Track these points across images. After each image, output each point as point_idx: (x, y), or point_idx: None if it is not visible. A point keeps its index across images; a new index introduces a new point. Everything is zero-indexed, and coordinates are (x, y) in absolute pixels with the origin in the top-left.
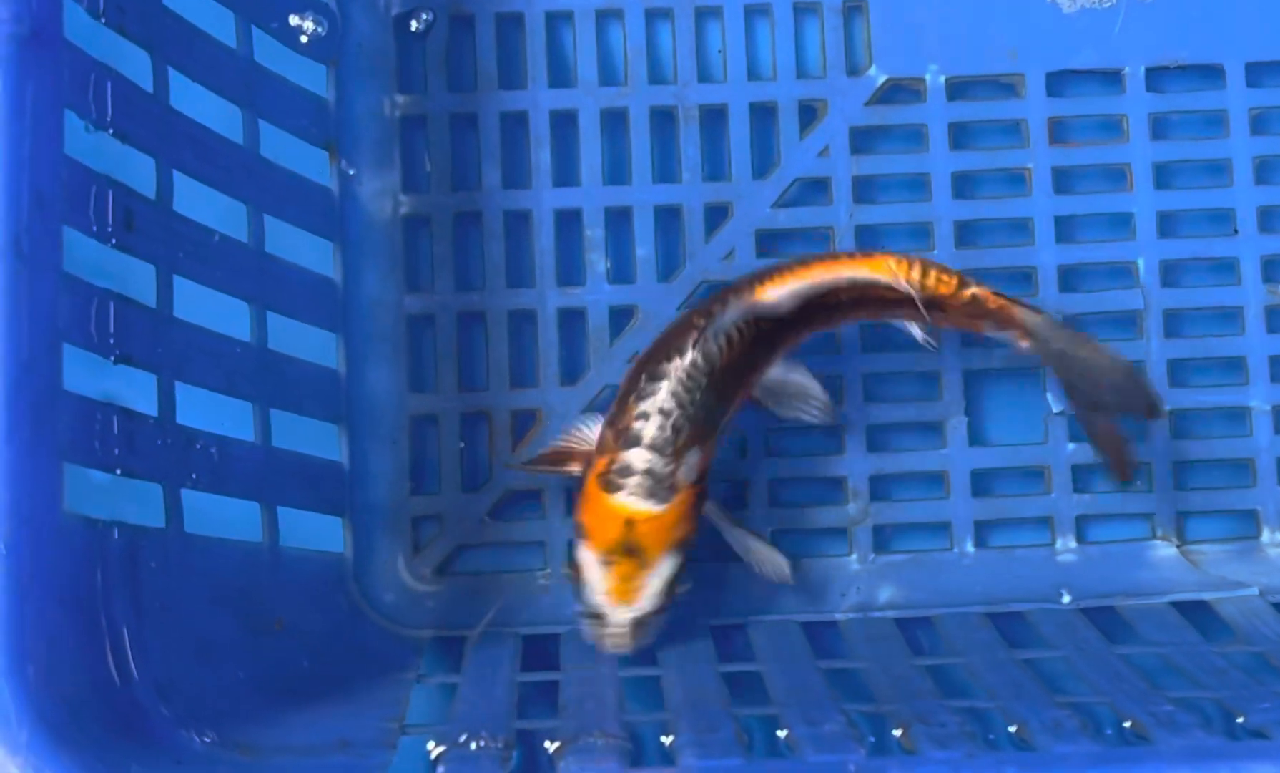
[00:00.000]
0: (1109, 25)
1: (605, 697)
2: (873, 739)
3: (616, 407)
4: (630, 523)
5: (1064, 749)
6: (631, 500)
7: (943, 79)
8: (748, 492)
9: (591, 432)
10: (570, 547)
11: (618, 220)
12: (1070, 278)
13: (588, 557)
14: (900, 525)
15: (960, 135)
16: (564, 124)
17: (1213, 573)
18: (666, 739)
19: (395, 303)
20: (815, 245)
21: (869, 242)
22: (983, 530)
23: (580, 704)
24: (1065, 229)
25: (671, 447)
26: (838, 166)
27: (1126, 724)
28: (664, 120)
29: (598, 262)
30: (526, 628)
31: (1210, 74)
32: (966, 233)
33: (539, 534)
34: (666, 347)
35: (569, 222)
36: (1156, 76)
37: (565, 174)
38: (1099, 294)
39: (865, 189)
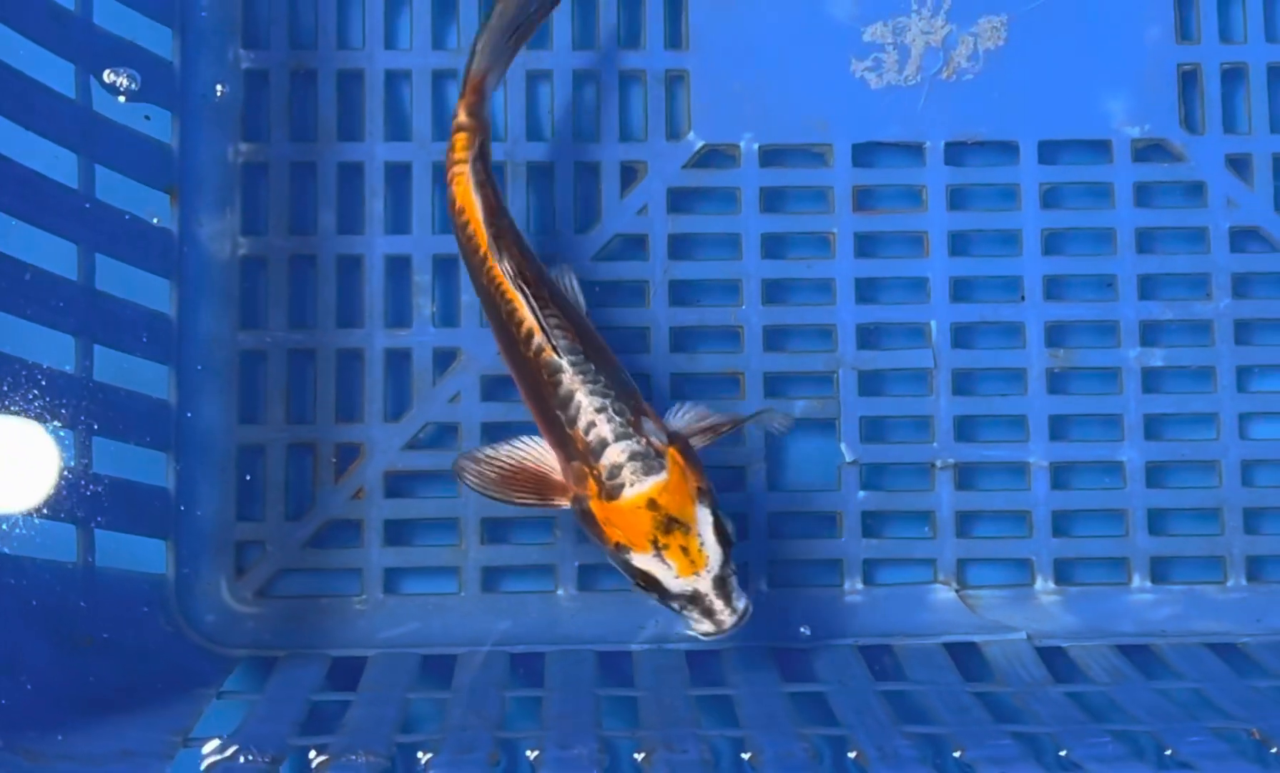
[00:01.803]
0: (914, 101)
1: (385, 716)
2: (608, 761)
3: (560, 446)
4: (653, 503)
5: None
6: (639, 486)
7: (756, 146)
8: (556, 527)
9: (538, 448)
10: (634, 579)
11: (446, 267)
12: (867, 336)
13: (647, 561)
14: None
15: (772, 199)
16: (398, 175)
17: (987, 617)
18: (423, 756)
19: (229, 339)
20: (634, 296)
21: (683, 297)
22: (776, 569)
23: (359, 724)
24: (866, 290)
25: (630, 426)
26: (655, 224)
27: (851, 754)
28: (495, 174)
29: (425, 305)
30: (339, 650)
31: (1006, 150)
32: (775, 291)
33: (357, 562)
34: (539, 379)
35: (399, 267)
36: (956, 151)
37: (398, 222)
38: (894, 353)
39: (681, 247)
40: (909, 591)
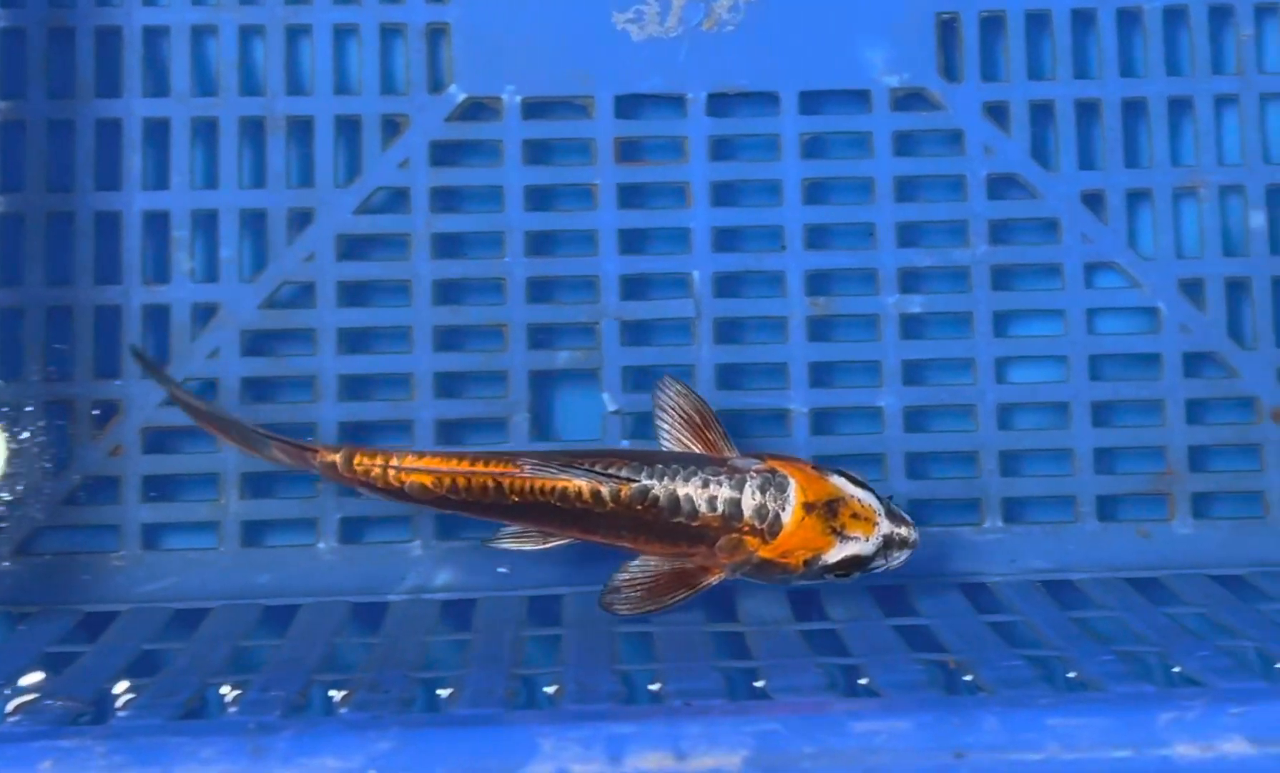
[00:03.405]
0: (675, 53)
1: (109, 666)
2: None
3: (697, 543)
4: (807, 506)
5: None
6: (787, 505)
7: (519, 98)
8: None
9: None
10: (838, 575)
11: (205, 222)
12: (631, 287)
13: (839, 551)
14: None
15: (536, 151)
16: (157, 131)
17: None
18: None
19: None
20: (397, 249)
21: (448, 249)
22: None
23: (79, 674)
24: (629, 242)
25: (733, 474)
26: (417, 177)
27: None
28: (254, 129)
29: (183, 261)
30: (95, 606)
31: (767, 100)
32: (539, 243)
33: (115, 518)
34: (635, 514)
35: (157, 223)
36: (717, 102)
37: (156, 178)
38: (656, 303)
39: (445, 199)
40: None
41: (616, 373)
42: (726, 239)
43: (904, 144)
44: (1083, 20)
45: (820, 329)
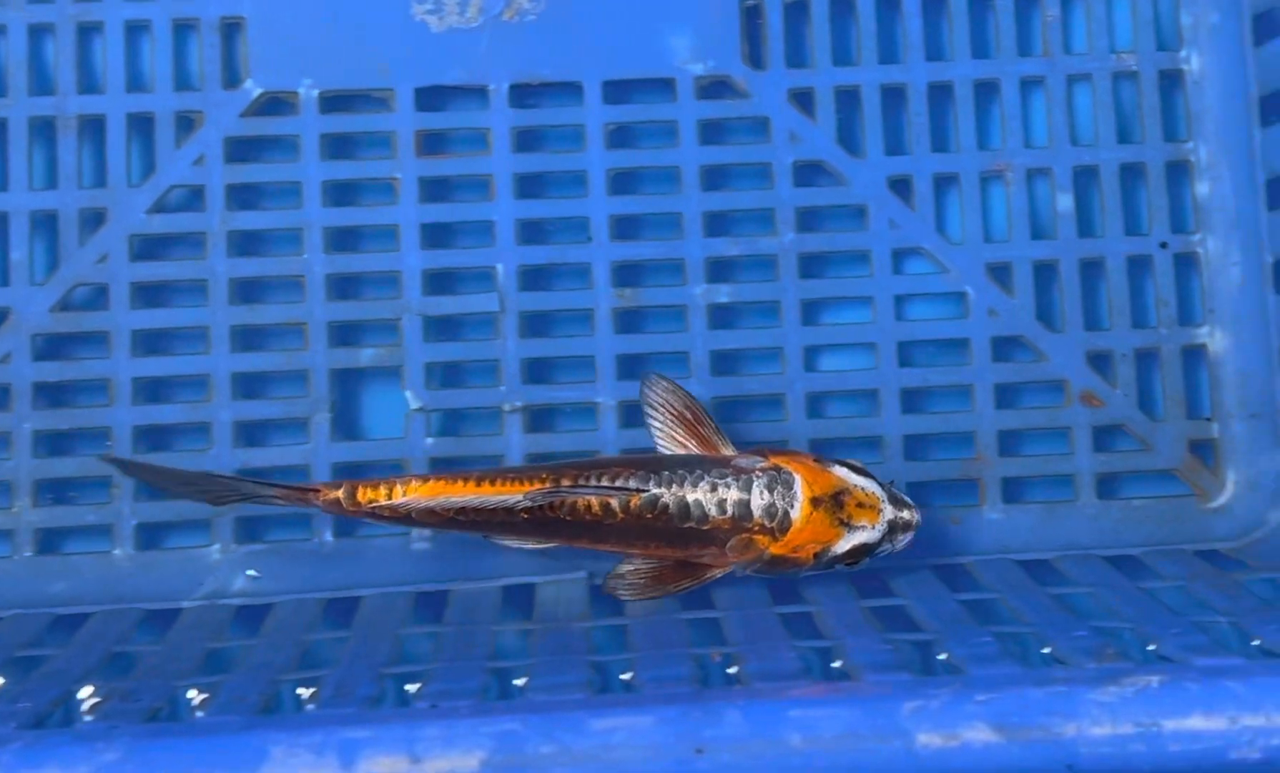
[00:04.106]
0: (476, 44)
1: None
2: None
3: (709, 545)
4: (814, 500)
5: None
6: (795, 501)
7: (316, 92)
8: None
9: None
10: (848, 563)
11: None
12: (435, 281)
13: (847, 541)
14: (267, 517)
15: (336, 146)
16: None
17: (552, 558)
18: None
19: None
20: (193, 248)
21: (245, 247)
22: (348, 521)
23: None
24: (433, 235)
25: (740, 474)
26: (212, 175)
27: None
28: (45, 129)
29: None
30: None
31: (570, 90)
32: (340, 239)
33: None
34: (646, 522)
35: None
36: (520, 92)
37: None
38: (460, 297)
39: (241, 196)
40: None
41: (419, 370)
42: (532, 231)
43: (710, 132)
44: (888, 5)
45: (628, 321)
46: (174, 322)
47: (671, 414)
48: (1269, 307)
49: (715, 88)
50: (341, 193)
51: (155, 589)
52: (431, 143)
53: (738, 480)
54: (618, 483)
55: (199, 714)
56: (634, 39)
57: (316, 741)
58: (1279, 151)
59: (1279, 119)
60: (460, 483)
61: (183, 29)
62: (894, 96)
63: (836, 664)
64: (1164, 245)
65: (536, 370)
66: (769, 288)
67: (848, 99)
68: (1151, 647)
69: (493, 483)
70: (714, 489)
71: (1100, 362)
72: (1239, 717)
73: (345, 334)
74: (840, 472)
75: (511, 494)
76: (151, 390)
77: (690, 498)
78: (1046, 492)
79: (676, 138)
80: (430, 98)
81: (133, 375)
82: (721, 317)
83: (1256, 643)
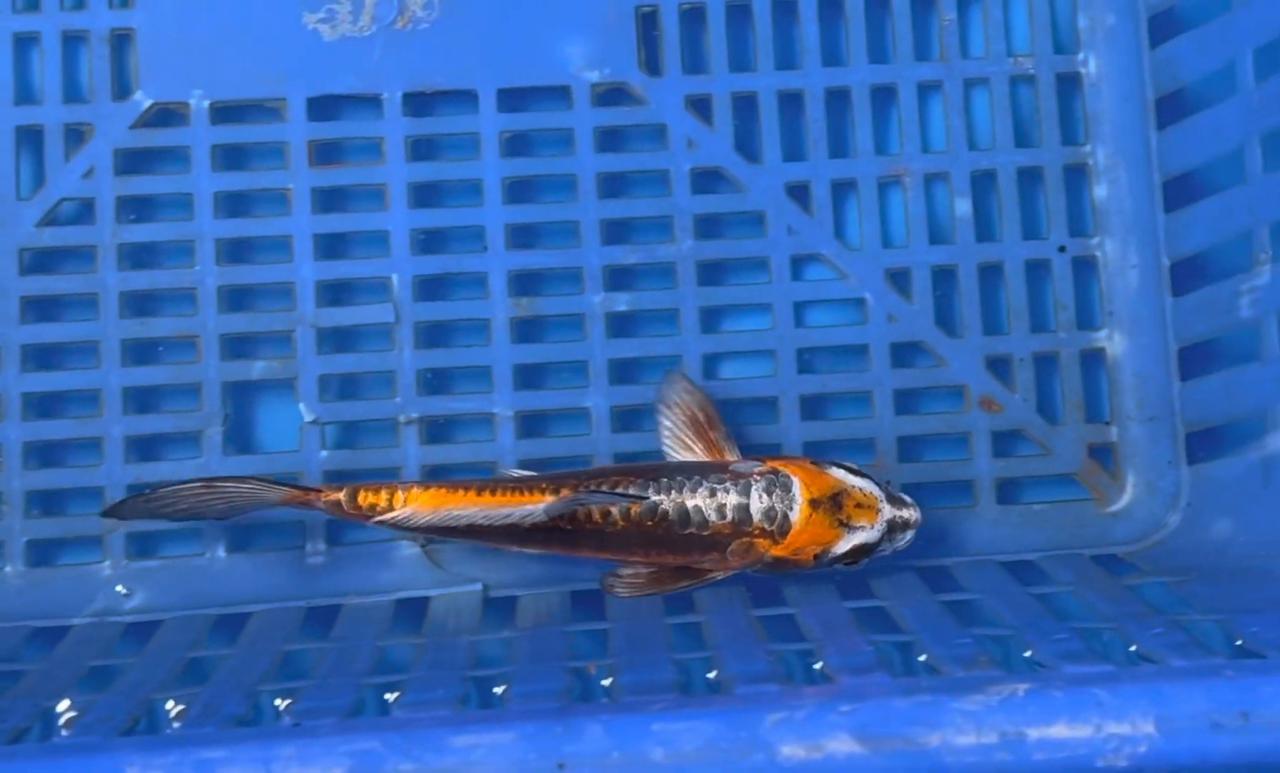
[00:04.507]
0: (369, 53)
1: None
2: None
3: (710, 550)
4: (813, 503)
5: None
6: (794, 504)
7: (207, 103)
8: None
9: None
10: (848, 563)
11: None
12: (330, 292)
13: (847, 542)
14: (160, 533)
15: (229, 156)
16: None
17: (451, 570)
18: None
19: None
20: (83, 262)
21: (138, 260)
22: (240, 535)
23: None
24: (327, 246)
25: (738, 480)
26: (102, 187)
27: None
28: None
29: None
30: None
31: (465, 99)
32: (234, 250)
33: None
34: (647, 530)
35: None
36: (415, 101)
37: None
38: (355, 308)
39: (132, 209)
40: (376, 548)
41: (314, 382)
42: (427, 241)
43: (607, 140)
44: (785, 10)
45: (526, 330)
46: (64, 336)
47: (685, 415)
48: (1166, 310)
49: (612, 95)
50: (234, 204)
51: (46, 607)
52: (325, 152)
53: (736, 485)
54: (618, 491)
55: (64, 734)
56: (529, 47)
57: (172, 761)
58: (1175, 154)
59: (1175, 121)
60: (460, 493)
61: (72, 41)
62: (792, 102)
63: (712, 675)
64: (1062, 249)
65: (433, 381)
66: (668, 295)
67: (745, 105)
68: (1028, 654)
69: (493, 493)
70: (713, 494)
71: (999, 366)
72: (1104, 725)
73: (238, 347)
74: (838, 473)
75: (517, 507)
76: (42, 406)
77: (690, 504)
78: (946, 497)
79: (573, 146)
80: (323, 107)
81: (21, 391)
82: (620, 325)
83: (1133, 649)
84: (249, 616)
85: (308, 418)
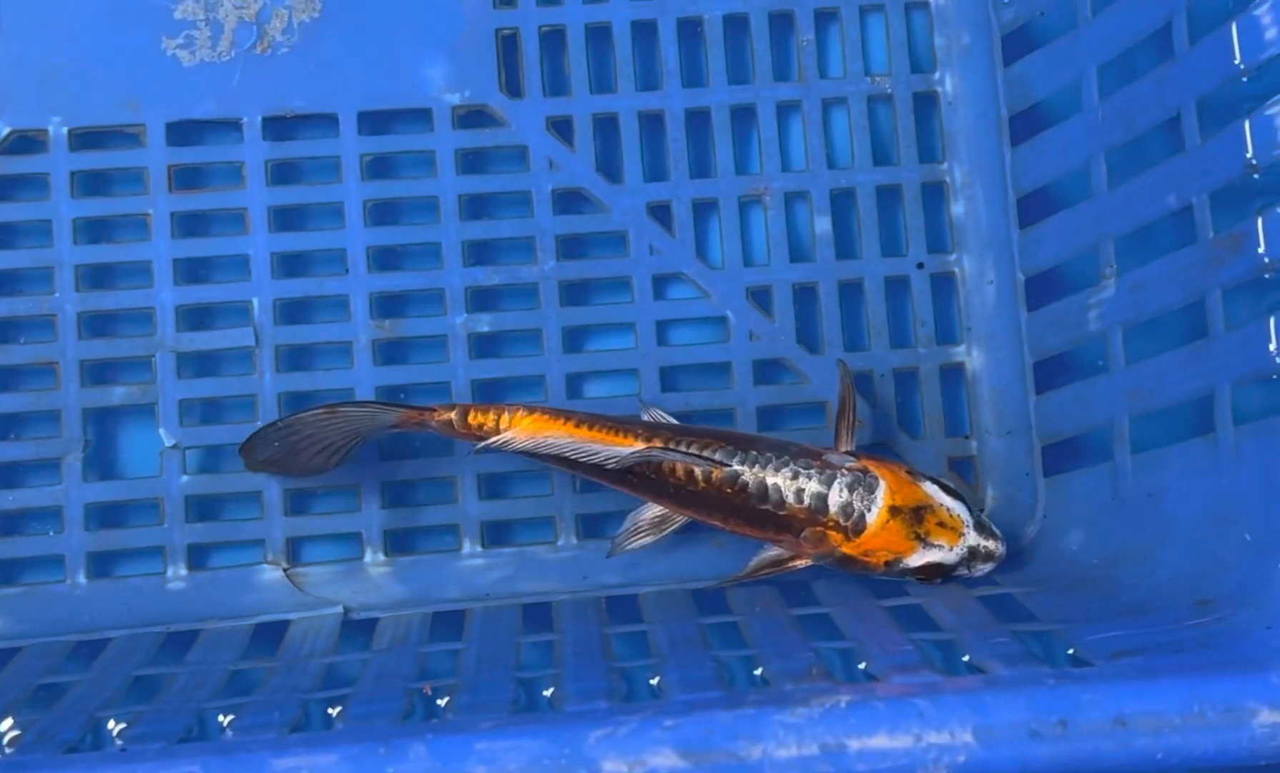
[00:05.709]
0: (229, 78)
1: None
2: None
3: (783, 531)
4: (894, 509)
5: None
6: (874, 505)
7: (65, 129)
8: None
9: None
10: (919, 579)
11: None
12: (190, 317)
13: (921, 556)
14: (21, 561)
15: (89, 183)
16: None
17: (312, 594)
18: None
19: None
20: None
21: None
22: (101, 562)
23: None
24: (188, 271)
25: (825, 468)
26: None
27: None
28: None
29: None
30: None
31: (326, 122)
32: (94, 276)
33: None
34: (725, 497)
35: None
36: (276, 125)
37: None
38: (215, 332)
39: None
40: (238, 573)
41: (174, 407)
42: (289, 264)
43: (469, 162)
44: (644, 32)
45: (388, 352)
46: None
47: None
48: (1022, 324)
49: (473, 117)
50: (93, 230)
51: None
52: (184, 177)
53: (821, 473)
54: (705, 453)
55: None
56: (389, 70)
57: None
58: (1028, 170)
59: (1027, 138)
60: (561, 422)
61: None
62: (652, 123)
63: (547, 692)
64: (921, 266)
65: (294, 404)
66: (531, 316)
67: (606, 126)
68: (862, 665)
69: (590, 428)
70: (795, 477)
71: (861, 382)
72: (924, 735)
73: (98, 373)
74: (930, 488)
75: (605, 446)
76: None
77: (770, 481)
78: None
79: (434, 168)
80: (183, 132)
81: None
82: (483, 346)
83: (965, 659)
84: (107, 641)
85: (168, 443)
